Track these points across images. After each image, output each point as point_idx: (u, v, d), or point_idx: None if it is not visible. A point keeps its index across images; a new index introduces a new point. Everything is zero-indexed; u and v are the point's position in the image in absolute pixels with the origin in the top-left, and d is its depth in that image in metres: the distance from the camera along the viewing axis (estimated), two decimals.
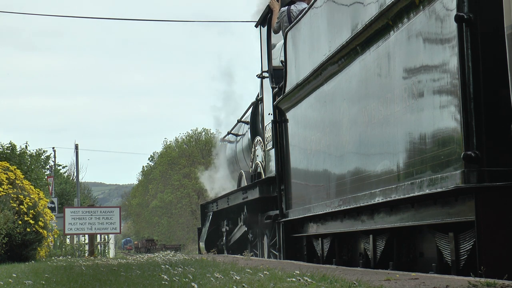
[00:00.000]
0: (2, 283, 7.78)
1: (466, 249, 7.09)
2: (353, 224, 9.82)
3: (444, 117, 7.01)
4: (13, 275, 9.12)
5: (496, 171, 6.61)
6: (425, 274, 7.41)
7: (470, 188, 6.69)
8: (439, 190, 7.01)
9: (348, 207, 9.50)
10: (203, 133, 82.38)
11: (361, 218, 9.50)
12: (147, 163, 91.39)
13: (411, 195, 7.60)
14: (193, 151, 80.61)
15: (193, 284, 6.35)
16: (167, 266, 9.60)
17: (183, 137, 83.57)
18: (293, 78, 12.20)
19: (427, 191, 7.24)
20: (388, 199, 8.19)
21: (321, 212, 10.68)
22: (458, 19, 6.71)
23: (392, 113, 8.18)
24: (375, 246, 9.30)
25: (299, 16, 12.08)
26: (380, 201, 8.41)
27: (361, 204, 9.01)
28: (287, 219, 12.62)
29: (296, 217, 12.08)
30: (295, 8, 13.34)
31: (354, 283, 5.92)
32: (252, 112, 17.38)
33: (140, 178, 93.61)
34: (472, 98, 6.66)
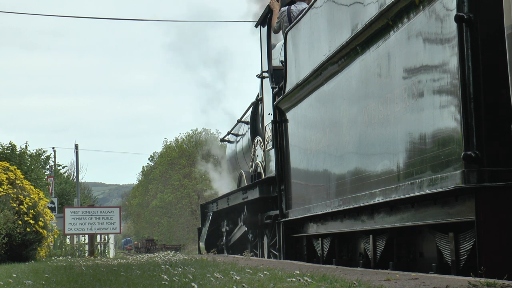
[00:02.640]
0: (2, 283, 7.78)
1: (466, 249, 7.09)
2: (353, 224, 9.81)
3: (444, 117, 7.01)
4: (13, 275, 9.13)
5: (496, 171, 6.61)
6: (425, 274, 7.41)
7: (470, 188, 6.69)
8: (439, 190, 7.01)
9: (348, 207, 9.50)
10: (203, 133, 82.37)
11: (361, 218, 9.50)
12: (147, 163, 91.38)
13: (411, 195, 7.60)
14: (193, 151, 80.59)
15: (193, 284, 6.35)
16: (167, 266, 9.60)
17: (183, 137, 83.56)
18: (293, 78, 12.20)
19: (427, 191, 7.24)
20: (388, 199, 8.19)
21: (321, 212, 10.68)
22: (458, 19, 6.71)
23: (392, 113, 8.18)
24: (375, 246, 9.30)
25: (299, 16, 12.08)
26: (380, 201, 8.41)
27: (361, 204, 9.01)
28: (287, 219, 12.62)
29: (296, 217, 12.08)
30: (295, 8, 13.34)
31: (354, 283, 5.92)
32: (252, 112, 17.37)
33: (140, 178, 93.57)
34: (472, 98, 6.65)
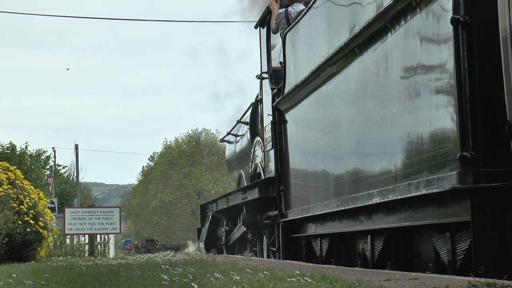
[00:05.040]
0: (2, 283, 7.83)
1: (462, 249, 7.14)
2: (352, 224, 9.87)
3: (441, 118, 7.07)
4: (13, 275, 9.17)
5: (491, 171, 6.66)
6: (425, 274, 7.45)
7: (466, 188, 6.74)
8: (435, 190, 7.06)
9: (347, 208, 9.55)
10: (203, 133, 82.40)
11: (359, 219, 9.55)
12: (147, 163, 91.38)
13: (408, 195, 7.65)
14: (193, 151, 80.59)
15: (193, 284, 6.39)
16: (167, 266, 9.65)
17: (183, 137, 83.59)
18: (292, 80, 12.25)
19: (424, 192, 7.29)
20: (386, 199, 8.25)
21: (320, 213, 10.73)
22: (454, 21, 6.77)
23: (390, 114, 8.24)
24: (373, 246, 9.35)
25: (298, 18, 12.12)
26: (378, 201, 8.46)
27: (359, 205, 9.06)
28: (286, 219, 12.67)
29: (295, 218, 12.13)
30: (293, 10, 13.39)
31: (354, 283, 5.95)
32: (251, 113, 17.40)
33: (140, 178, 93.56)
34: (468, 99, 6.71)
